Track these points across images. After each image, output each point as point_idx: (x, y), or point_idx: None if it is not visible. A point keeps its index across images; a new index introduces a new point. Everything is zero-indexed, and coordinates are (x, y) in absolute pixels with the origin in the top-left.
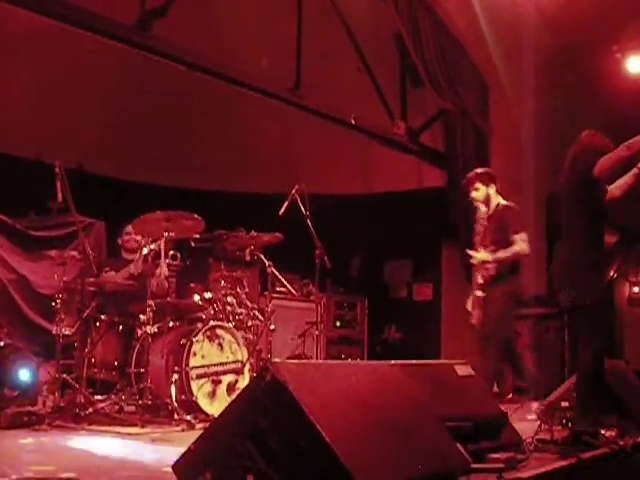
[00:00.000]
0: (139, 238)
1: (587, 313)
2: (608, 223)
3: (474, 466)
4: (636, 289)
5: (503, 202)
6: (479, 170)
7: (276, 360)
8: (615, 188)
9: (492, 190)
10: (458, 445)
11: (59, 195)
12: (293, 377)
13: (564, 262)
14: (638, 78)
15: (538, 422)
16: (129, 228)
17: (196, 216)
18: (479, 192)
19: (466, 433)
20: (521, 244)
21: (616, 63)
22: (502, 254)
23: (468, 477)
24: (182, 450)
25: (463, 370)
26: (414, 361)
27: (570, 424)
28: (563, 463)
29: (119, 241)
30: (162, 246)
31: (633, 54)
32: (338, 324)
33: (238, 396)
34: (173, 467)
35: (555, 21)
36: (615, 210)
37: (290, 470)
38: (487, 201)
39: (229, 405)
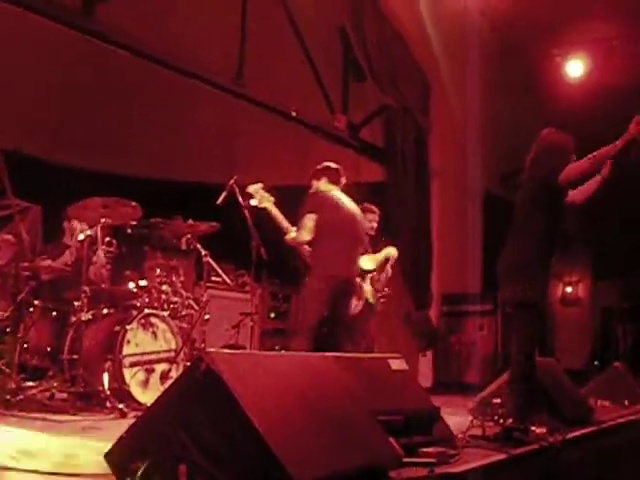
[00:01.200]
0: (76, 224)
1: (527, 311)
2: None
3: (406, 460)
4: (569, 289)
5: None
6: (317, 167)
7: (211, 350)
8: (576, 194)
9: (322, 183)
10: (390, 439)
11: None
12: (227, 367)
13: (514, 259)
14: (576, 81)
15: (470, 418)
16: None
17: (133, 203)
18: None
19: (398, 427)
20: (291, 232)
21: (556, 66)
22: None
23: (399, 471)
24: (113, 438)
25: (397, 364)
26: (348, 354)
27: (501, 420)
28: (494, 459)
29: (64, 225)
30: (98, 233)
31: (572, 58)
32: (273, 315)
33: (172, 385)
34: (105, 456)
35: (499, 21)
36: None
37: (223, 460)
38: None
39: (162, 394)
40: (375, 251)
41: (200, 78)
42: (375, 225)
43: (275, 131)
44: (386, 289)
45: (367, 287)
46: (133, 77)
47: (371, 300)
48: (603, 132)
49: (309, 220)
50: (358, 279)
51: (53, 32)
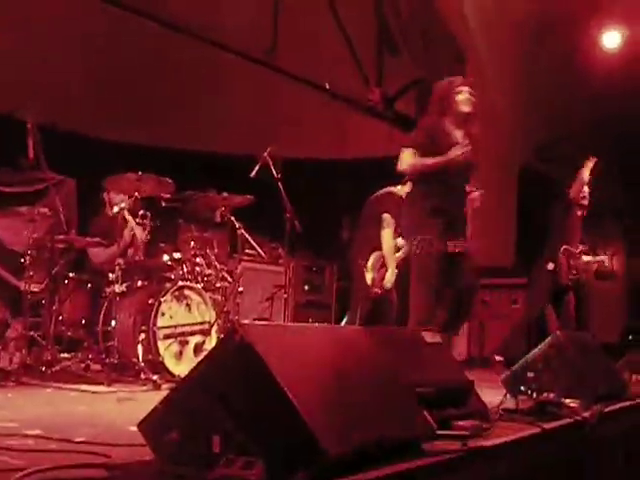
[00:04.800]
0: (114, 196)
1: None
2: None
3: (439, 433)
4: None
5: None
6: None
7: (244, 321)
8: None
9: None
10: (424, 411)
11: (30, 151)
12: (261, 338)
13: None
14: (613, 52)
15: (503, 391)
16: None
17: (167, 179)
18: None
19: (432, 400)
20: None
21: (593, 37)
22: None
23: (432, 444)
24: (148, 409)
25: (430, 337)
26: (382, 326)
27: (535, 394)
28: (527, 432)
29: (104, 196)
30: (130, 206)
31: (609, 29)
32: (307, 288)
33: (205, 357)
34: (139, 425)
35: None
36: None
37: (256, 432)
38: None
39: (196, 365)
40: None
41: (233, 51)
42: None
43: (310, 104)
44: None
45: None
46: (168, 50)
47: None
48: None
49: None
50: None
51: (88, 4)
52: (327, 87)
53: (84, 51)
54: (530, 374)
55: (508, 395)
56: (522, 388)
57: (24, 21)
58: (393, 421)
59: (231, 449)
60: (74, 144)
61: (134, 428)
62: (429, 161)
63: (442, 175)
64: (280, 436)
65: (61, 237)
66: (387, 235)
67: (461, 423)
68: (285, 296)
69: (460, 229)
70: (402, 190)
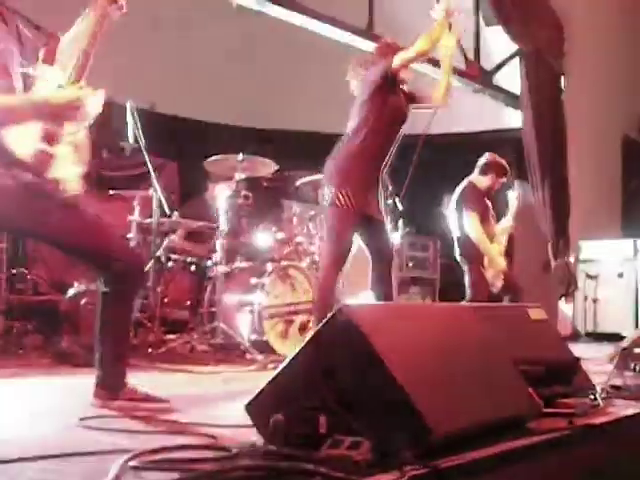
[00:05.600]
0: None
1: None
2: None
3: (545, 410)
4: None
5: None
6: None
7: (349, 301)
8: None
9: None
10: (530, 389)
11: (131, 135)
12: (366, 319)
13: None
14: None
15: (610, 368)
16: None
17: (268, 159)
18: None
19: (538, 377)
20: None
21: None
22: None
23: (539, 422)
24: (254, 390)
25: (536, 313)
26: (487, 303)
27: None
28: (635, 410)
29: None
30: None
31: None
32: (410, 264)
33: (310, 338)
34: (245, 407)
35: None
36: None
37: (362, 411)
38: None
39: (302, 346)
40: None
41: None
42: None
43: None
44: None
45: None
46: (267, 31)
47: None
48: None
49: None
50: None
51: None
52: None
53: (181, 35)
54: (637, 350)
55: (615, 371)
56: (630, 364)
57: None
58: (499, 399)
59: (337, 429)
60: (174, 127)
61: (240, 409)
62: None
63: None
64: (387, 416)
65: (164, 220)
66: (475, 231)
67: (567, 401)
68: None
69: None
70: (482, 181)
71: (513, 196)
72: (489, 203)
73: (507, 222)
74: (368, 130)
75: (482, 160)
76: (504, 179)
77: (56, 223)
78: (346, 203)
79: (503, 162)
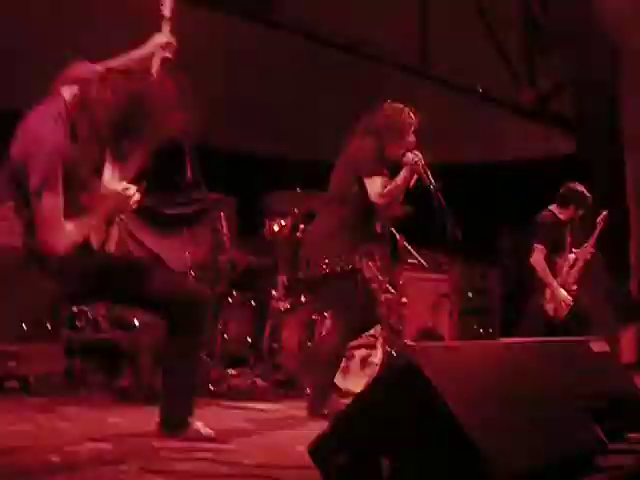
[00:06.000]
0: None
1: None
2: None
3: (611, 447)
4: None
5: None
6: None
7: (411, 343)
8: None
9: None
10: (595, 425)
11: (189, 171)
12: (429, 360)
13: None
14: None
15: None
16: None
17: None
18: None
19: (602, 412)
20: None
21: None
22: None
23: (605, 458)
24: (316, 427)
25: (598, 346)
26: (548, 338)
27: None
28: None
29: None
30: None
31: None
32: (470, 295)
33: (374, 379)
34: (308, 450)
35: None
36: None
37: (425, 455)
38: None
39: (364, 389)
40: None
41: (387, 61)
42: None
43: (460, 109)
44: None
45: None
46: (315, 63)
47: None
48: None
49: None
50: None
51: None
52: (479, 90)
53: (229, 68)
54: None
55: None
56: None
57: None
58: (564, 437)
59: (401, 472)
60: (231, 162)
61: (303, 448)
62: (399, 180)
63: None
64: (449, 459)
65: (224, 256)
66: (537, 263)
67: (634, 435)
68: (449, 304)
69: None
70: (561, 213)
71: (600, 219)
72: (568, 234)
73: (586, 249)
74: None
75: (563, 190)
76: (586, 208)
77: (119, 284)
78: None
79: (582, 189)
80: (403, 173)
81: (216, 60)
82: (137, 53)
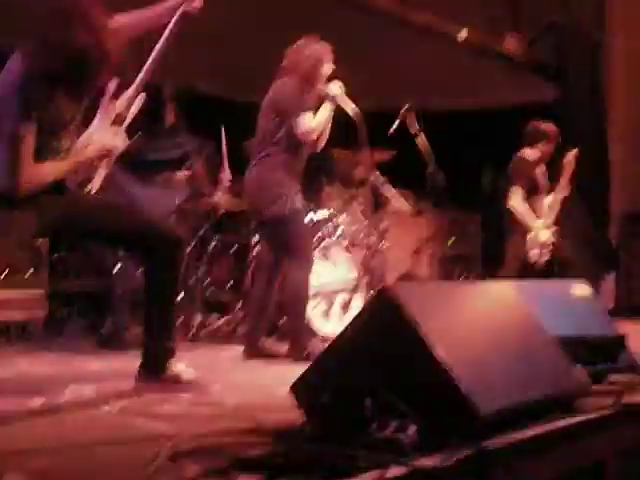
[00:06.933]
0: None
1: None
2: None
3: (592, 388)
4: None
5: None
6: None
7: (393, 281)
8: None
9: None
10: (576, 367)
11: (170, 116)
12: (411, 298)
13: None
14: None
15: None
16: None
17: None
18: None
19: (583, 355)
20: None
21: None
22: None
23: (585, 400)
24: (297, 370)
25: (580, 289)
26: (530, 280)
27: None
28: None
29: None
30: None
31: None
32: (451, 240)
33: (355, 318)
34: (290, 389)
35: None
36: None
37: (406, 393)
38: None
39: (346, 327)
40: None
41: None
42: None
43: (443, 55)
44: None
45: None
46: (303, 15)
47: None
48: None
49: None
50: None
51: None
52: (462, 37)
53: (222, 14)
54: None
55: None
56: None
57: None
58: (545, 377)
59: (383, 411)
60: (213, 107)
61: (285, 388)
62: (323, 113)
63: None
64: (432, 398)
65: (204, 201)
66: (518, 205)
67: (614, 378)
68: (431, 250)
69: None
70: (531, 154)
71: (569, 157)
72: (540, 174)
73: (560, 189)
74: None
75: (527, 130)
76: (554, 143)
77: (91, 220)
78: None
79: (549, 127)
80: (326, 105)
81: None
82: (160, 7)
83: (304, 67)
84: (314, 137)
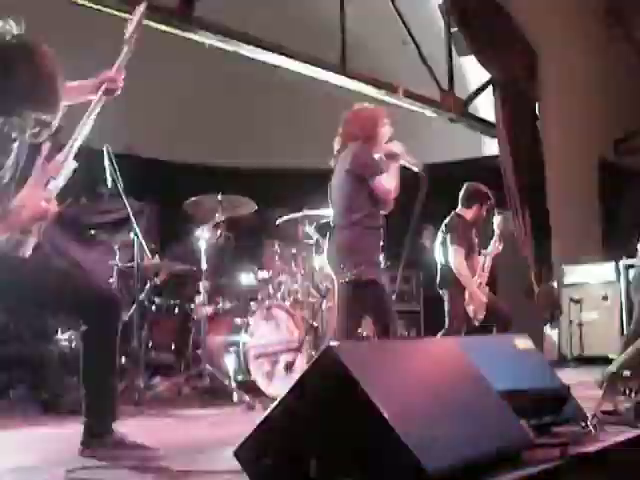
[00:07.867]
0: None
1: None
2: None
3: (537, 442)
4: None
5: None
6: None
7: (335, 342)
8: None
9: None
10: (520, 420)
11: (109, 180)
12: (354, 358)
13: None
14: None
15: (599, 393)
16: None
17: (248, 198)
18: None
19: (527, 408)
20: None
21: None
22: None
23: (531, 453)
24: (243, 433)
25: (522, 343)
26: (472, 335)
27: (633, 394)
28: (629, 435)
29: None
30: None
31: None
32: (393, 297)
33: (298, 380)
34: (235, 452)
35: None
36: None
37: (353, 453)
38: None
39: (289, 390)
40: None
41: (310, 62)
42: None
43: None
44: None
45: None
46: (238, 70)
47: None
48: None
49: None
50: None
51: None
52: (401, 93)
53: (154, 76)
54: (626, 373)
55: (605, 396)
56: (619, 388)
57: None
58: (490, 432)
59: (329, 471)
60: (152, 169)
61: (229, 454)
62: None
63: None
64: (378, 456)
65: (145, 264)
66: (458, 265)
67: (559, 430)
68: None
69: None
70: (468, 213)
71: (497, 220)
72: (475, 234)
73: (493, 248)
74: None
75: (464, 192)
76: (488, 206)
77: (26, 285)
78: None
79: (484, 189)
80: (394, 165)
81: (134, 71)
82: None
83: (367, 129)
84: (393, 197)
